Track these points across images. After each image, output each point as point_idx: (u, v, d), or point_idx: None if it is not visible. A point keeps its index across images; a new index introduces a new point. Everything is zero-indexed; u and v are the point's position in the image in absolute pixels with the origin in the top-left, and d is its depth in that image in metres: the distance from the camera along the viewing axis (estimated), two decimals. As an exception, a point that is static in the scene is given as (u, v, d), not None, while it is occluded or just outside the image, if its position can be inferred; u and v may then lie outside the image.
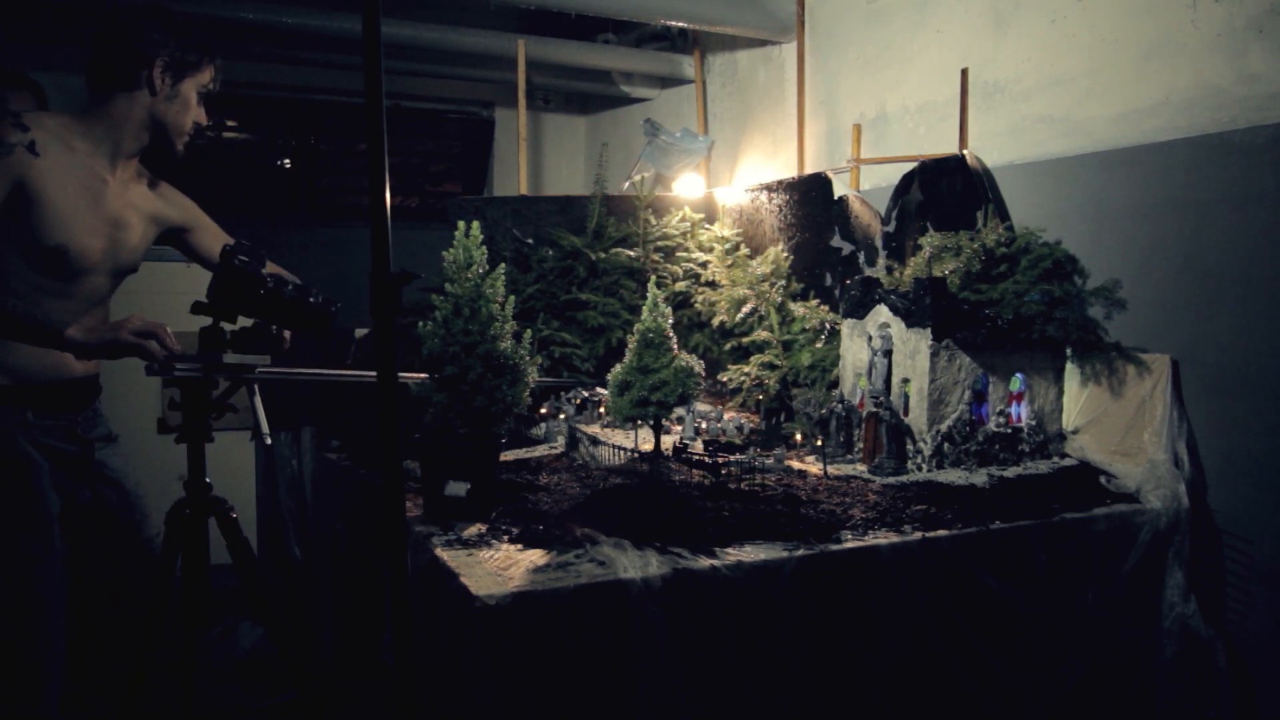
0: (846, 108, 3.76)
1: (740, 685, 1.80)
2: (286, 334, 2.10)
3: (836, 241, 3.32)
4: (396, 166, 5.81)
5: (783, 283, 3.27)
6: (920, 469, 2.52)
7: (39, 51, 4.21)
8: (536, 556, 1.80)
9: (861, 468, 2.54)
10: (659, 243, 3.66)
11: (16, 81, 2.95)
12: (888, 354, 2.63)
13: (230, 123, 5.36)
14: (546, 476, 2.43)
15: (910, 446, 2.54)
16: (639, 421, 2.38)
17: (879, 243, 3.17)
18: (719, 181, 4.55)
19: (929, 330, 2.49)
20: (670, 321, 2.38)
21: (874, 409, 2.53)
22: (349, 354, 3.29)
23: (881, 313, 2.65)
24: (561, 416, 2.96)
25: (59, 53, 4.18)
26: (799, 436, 2.79)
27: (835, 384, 2.87)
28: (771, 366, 3.08)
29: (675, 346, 2.36)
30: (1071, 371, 2.71)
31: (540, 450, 2.79)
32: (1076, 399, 2.70)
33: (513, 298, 2.15)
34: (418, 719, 1.48)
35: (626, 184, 4.13)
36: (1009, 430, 2.61)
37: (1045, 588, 2.16)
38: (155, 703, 2.02)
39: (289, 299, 2.02)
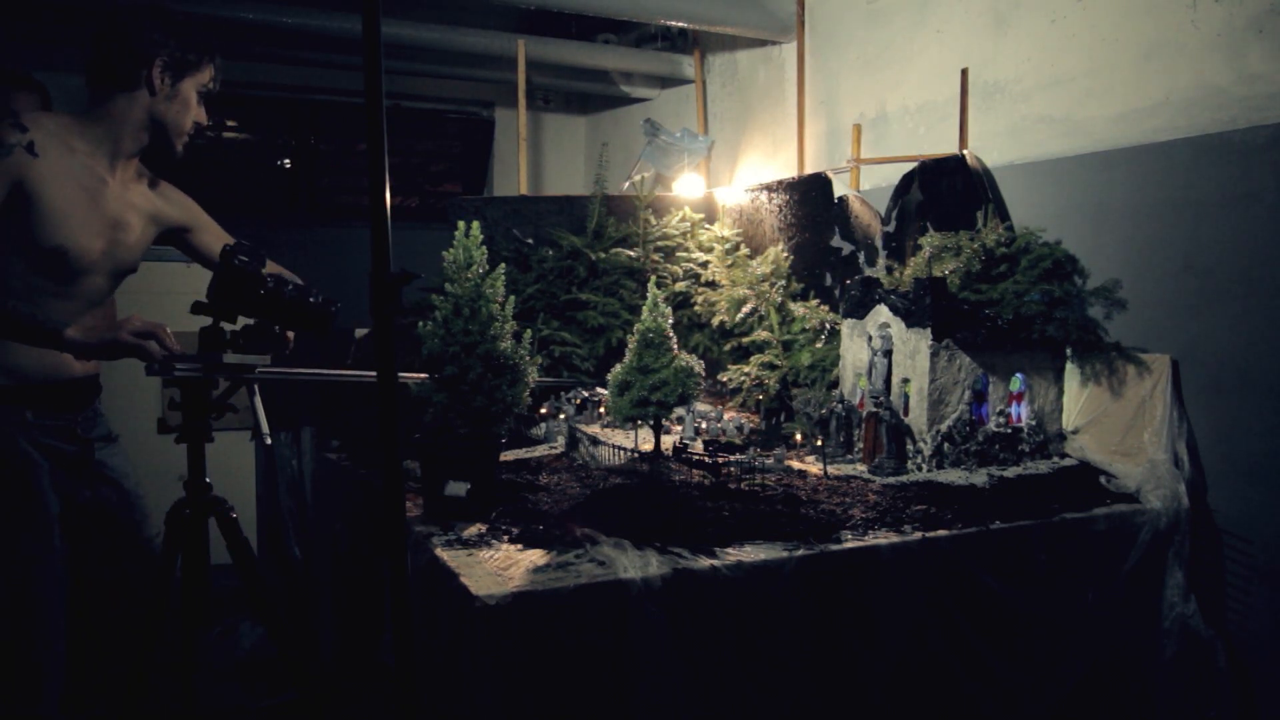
0: (846, 108, 3.76)
1: (740, 685, 1.80)
2: (290, 334, 2.10)
3: (836, 241, 3.32)
4: (396, 166, 5.81)
5: (783, 283, 3.26)
6: (920, 469, 2.52)
7: (39, 51, 4.21)
8: (536, 556, 1.80)
9: (861, 468, 2.54)
10: (659, 243, 3.66)
11: (21, 82, 2.95)
12: (888, 354, 2.63)
13: (230, 123, 5.37)
14: (546, 476, 2.43)
15: (910, 446, 2.54)
16: (639, 421, 2.38)
17: (879, 243, 3.18)
18: (719, 181, 4.55)
19: (929, 330, 2.49)
20: (670, 321, 2.38)
21: (874, 409, 2.53)
22: (349, 354, 3.29)
23: (881, 313, 2.65)
24: (561, 416, 2.96)
25: (59, 53, 4.18)
26: (799, 436, 2.79)
27: (835, 384, 2.87)
28: (771, 366, 3.08)
29: (675, 346, 2.36)
30: (1071, 371, 2.71)
31: (540, 450, 2.79)
32: (1076, 399, 2.70)
33: (513, 298, 2.15)
34: (418, 719, 1.48)
35: (626, 184, 4.13)
36: (1009, 430, 2.61)
37: (1045, 588, 2.16)
38: (155, 703, 2.01)
39: (289, 299, 2.02)
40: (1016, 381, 2.66)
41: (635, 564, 1.74)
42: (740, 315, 3.25)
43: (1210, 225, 2.44)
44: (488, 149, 5.93)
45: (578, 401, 3.03)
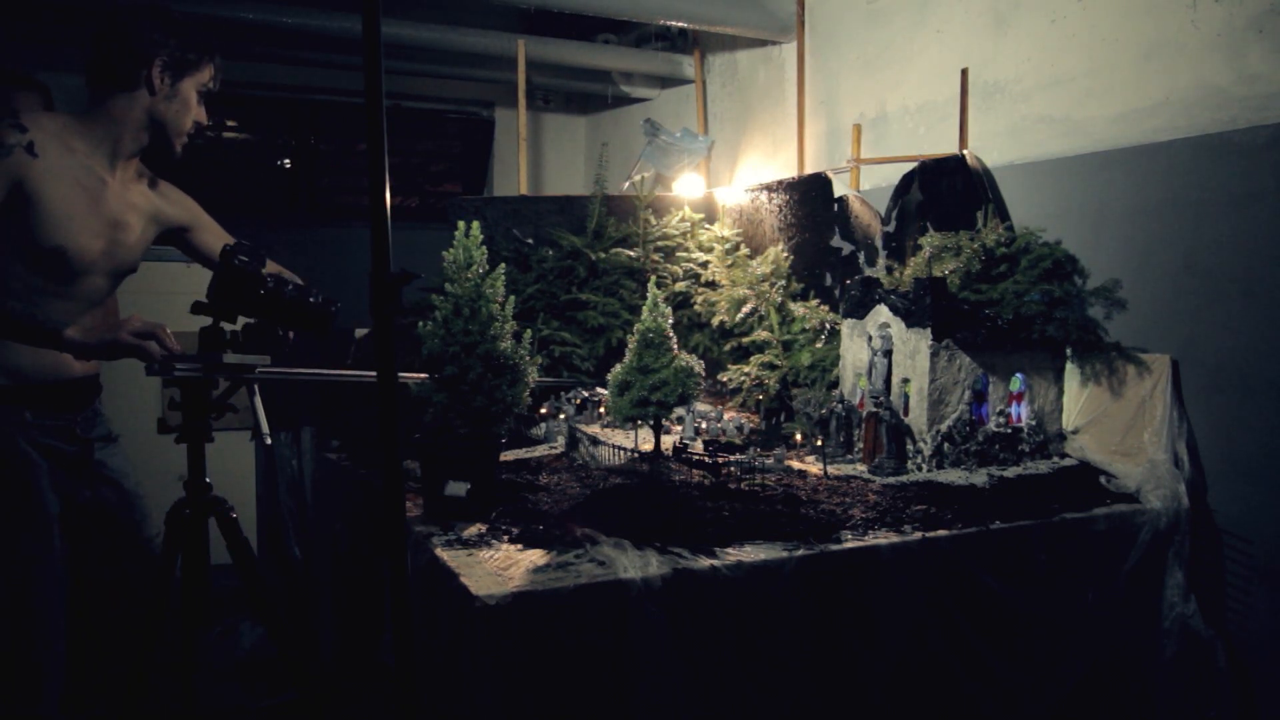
0: (846, 108, 3.76)
1: (740, 685, 1.80)
2: (290, 334, 2.10)
3: (836, 241, 3.32)
4: (396, 166, 5.81)
5: (783, 283, 3.26)
6: (920, 469, 2.52)
7: (39, 51, 4.21)
8: (536, 556, 1.80)
9: (861, 468, 2.54)
10: (659, 243, 3.66)
11: (24, 83, 2.96)
12: (888, 354, 2.63)
13: (230, 123, 5.36)
14: (546, 476, 2.43)
15: (910, 446, 2.54)
16: (639, 421, 2.38)
17: (879, 243, 3.18)
18: (719, 181, 4.55)
19: (929, 330, 2.49)
20: (670, 321, 2.38)
21: (874, 409, 2.53)
22: (349, 354, 3.29)
23: (881, 313, 2.65)
24: (561, 416, 2.96)
25: (59, 53, 4.18)
26: (799, 436, 2.79)
27: (835, 384, 2.87)
28: (771, 366, 3.08)
29: (675, 346, 2.36)
30: (1071, 371, 2.71)
31: (540, 450, 2.79)
32: (1076, 399, 2.70)
33: (513, 298, 2.15)
34: (418, 719, 1.48)
35: (626, 184, 4.13)
36: (1009, 430, 2.61)
37: (1045, 588, 2.16)
38: (155, 703, 2.01)
39: (289, 299, 2.02)
40: (1016, 381, 2.66)
41: (635, 564, 1.74)
42: (740, 315, 3.25)
43: (1210, 225, 2.44)
44: (488, 149, 5.93)
45: (578, 401, 3.03)
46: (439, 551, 1.84)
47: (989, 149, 3.05)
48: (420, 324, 2.08)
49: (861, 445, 2.61)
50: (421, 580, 1.86)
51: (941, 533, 2.04)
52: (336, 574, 2.71)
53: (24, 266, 1.98)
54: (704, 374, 2.41)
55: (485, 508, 2.06)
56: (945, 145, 3.22)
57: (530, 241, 3.61)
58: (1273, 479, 2.34)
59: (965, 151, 3.05)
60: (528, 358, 2.11)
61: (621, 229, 3.64)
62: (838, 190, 3.33)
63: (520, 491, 2.26)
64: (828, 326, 3.04)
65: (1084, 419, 2.67)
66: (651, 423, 2.39)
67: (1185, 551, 2.34)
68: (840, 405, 2.71)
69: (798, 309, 3.16)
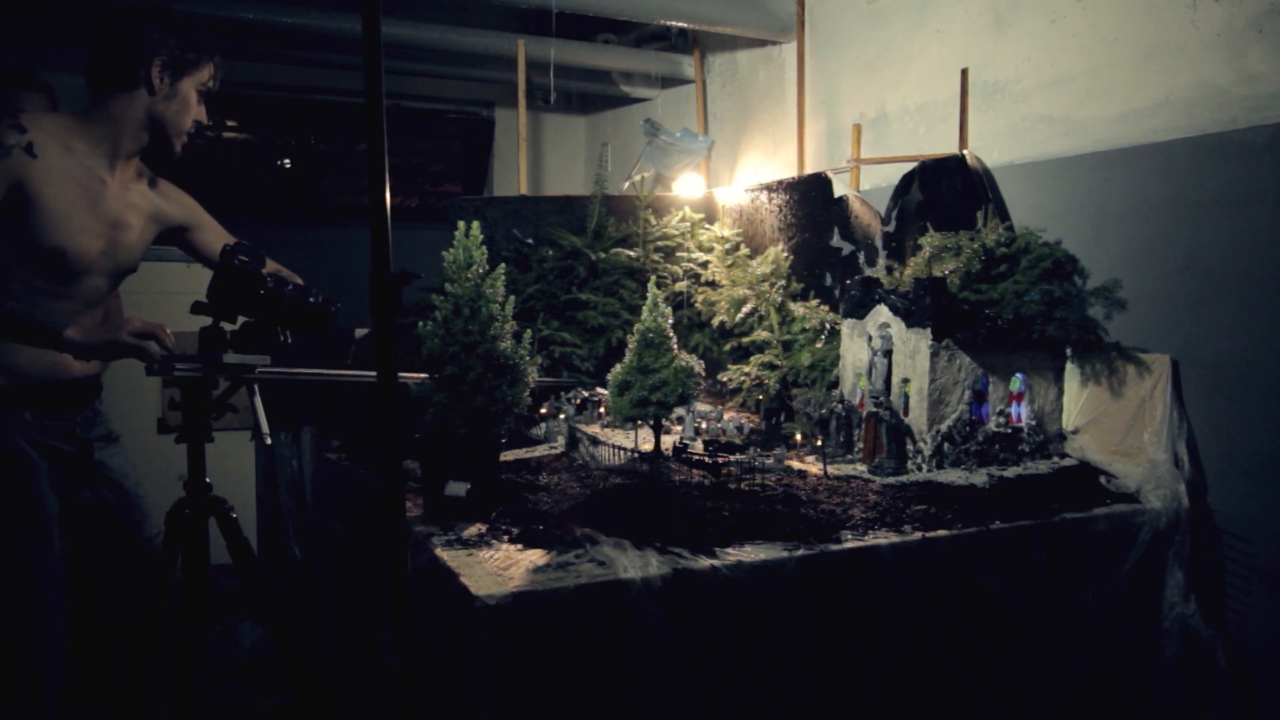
0: (846, 108, 3.76)
1: (740, 685, 1.80)
2: (287, 335, 2.10)
3: (836, 241, 3.32)
4: (396, 166, 5.81)
5: (783, 283, 3.26)
6: (920, 469, 2.52)
7: (39, 51, 4.21)
8: (536, 556, 1.80)
9: (861, 468, 2.54)
10: (659, 243, 3.66)
11: (30, 83, 2.96)
12: (888, 354, 2.63)
13: (230, 123, 5.36)
14: (546, 476, 2.43)
15: (910, 446, 2.54)
16: (639, 421, 2.38)
17: (879, 243, 3.17)
18: (719, 181, 4.55)
19: (929, 330, 2.49)
20: (670, 321, 2.38)
21: (874, 409, 2.53)
22: (349, 354, 3.29)
23: (881, 313, 2.65)
24: (561, 416, 2.96)
25: (59, 53, 4.17)
26: (799, 436, 2.79)
27: (835, 384, 2.87)
28: (771, 366, 3.08)
29: (675, 346, 2.36)
30: (1071, 371, 2.71)
31: (540, 450, 2.79)
32: (1076, 399, 2.70)
33: (513, 298, 2.15)
34: (418, 719, 1.48)
35: (626, 184, 4.13)
36: (1009, 430, 2.61)
37: (1045, 588, 2.16)
38: (155, 703, 2.01)
39: (289, 299, 2.02)
40: (1016, 381, 2.66)
41: (635, 564, 1.74)
42: (740, 315, 3.25)
43: (1210, 225, 2.44)
44: (488, 149, 5.93)
45: (578, 401, 3.03)
46: (439, 551, 1.84)
47: (989, 149, 3.05)
48: (420, 324, 2.08)
49: (861, 445, 2.61)
50: (421, 580, 1.86)
51: (941, 533, 2.04)
52: (336, 574, 2.71)
53: (24, 267, 1.97)
54: (704, 374, 2.41)
55: (485, 508, 2.06)
56: (945, 145, 3.22)
57: (530, 241, 3.61)
58: (1273, 479, 2.34)
59: (965, 151, 3.05)
60: (528, 358, 2.11)
61: (621, 229, 3.64)
62: (838, 190, 3.33)
63: (520, 491, 2.26)
64: (828, 326, 3.04)
65: (1084, 419, 2.67)
66: (651, 423, 2.39)
67: (1185, 551, 2.34)
68: (840, 405, 2.71)
69: (798, 309, 3.16)
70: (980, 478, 2.44)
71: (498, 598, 1.60)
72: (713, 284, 3.49)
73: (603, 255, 3.52)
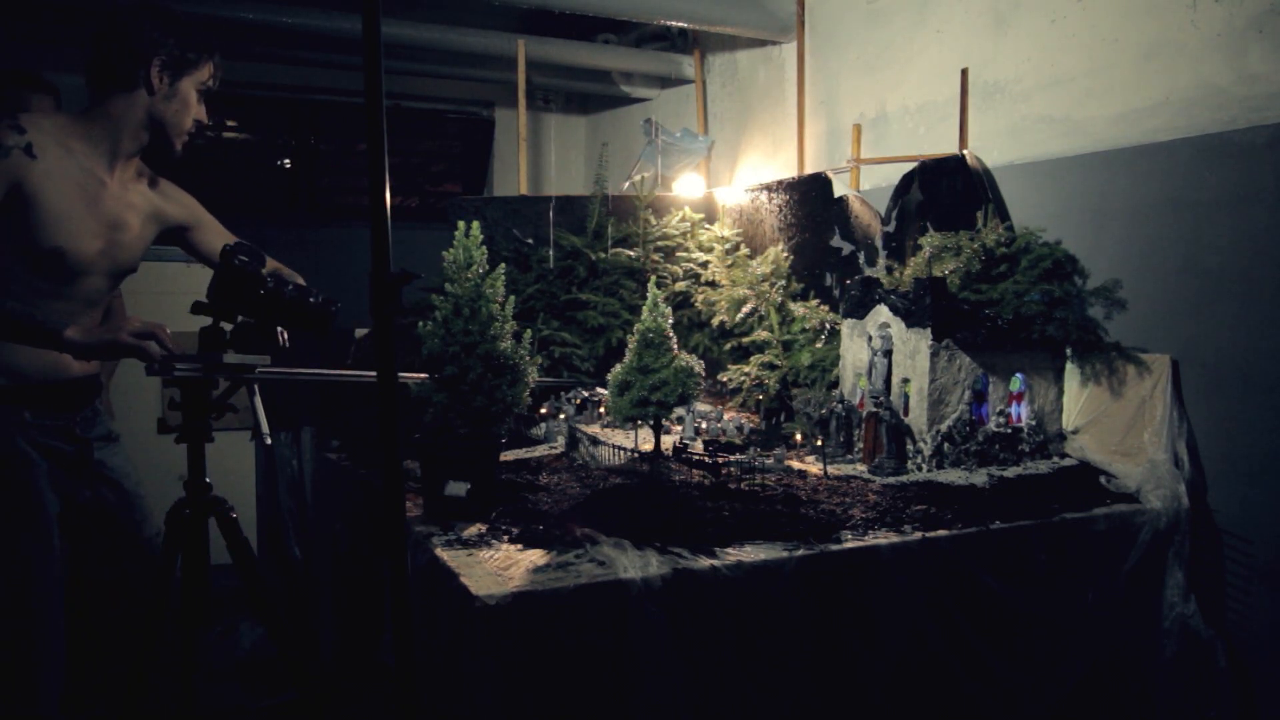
0: (846, 108, 3.76)
1: (740, 685, 1.80)
2: (285, 335, 2.10)
3: (836, 241, 3.32)
4: (396, 166, 5.81)
5: (783, 283, 3.26)
6: (920, 469, 2.52)
7: (38, 51, 4.21)
8: (536, 556, 1.80)
9: (861, 468, 2.54)
10: (659, 243, 3.66)
11: (36, 84, 2.96)
12: (888, 354, 2.63)
13: (230, 123, 5.36)
14: (546, 476, 2.43)
15: (910, 446, 2.54)
16: (639, 421, 2.38)
17: (879, 243, 3.17)
18: (719, 181, 4.55)
19: (929, 330, 2.49)
20: (670, 321, 2.38)
21: (874, 409, 2.53)
22: (349, 354, 3.29)
23: (881, 313, 2.65)
24: (561, 416, 2.96)
25: (59, 53, 4.18)
26: (799, 436, 2.79)
27: (835, 384, 2.87)
28: (771, 366, 3.08)
29: (675, 346, 2.36)
30: (1071, 371, 2.71)
31: (540, 450, 2.79)
32: (1076, 399, 2.70)
33: (513, 298, 2.15)
34: (418, 719, 1.48)
35: (626, 184, 4.13)
36: (1009, 430, 2.61)
37: (1045, 588, 2.16)
38: (155, 703, 2.01)
39: (289, 299, 2.02)
40: (1016, 381, 2.66)
41: (635, 564, 1.74)
42: (740, 315, 3.25)
43: (1210, 225, 2.44)
44: (488, 149, 5.93)
45: (578, 401, 3.03)
46: (439, 551, 1.84)
47: (989, 149, 3.05)
48: (420, 324, 2.08)
49: (861, 445, 2.61)
50: (421, 580, 1.86)
51: (941, 533, 2.04)
52: (336, 574, 2.71)
53: (23, 267, 1.97)
54: (704, 374, 2.41)
55: (485, 508, 2.06)
56: (945, 145, 3.22)
57: (530, 241, 3.61)
58: (1273, 479, 2.34)
59: (965, 151, 3.05)
60: (528, 358, 2.11)
61: (621, 229, 3.64)
62: (838, 190, 3.33)
63: (520, 491, 2.26)
64: (828, 326, 3.04)
65: (1084, 419, 2.67)
66: (651, 423, 2.39)
67: (1185, 551, 2.34)
68: (840, 405, 2.71)
69: (798, 309, 3.16)
70: (980, 478, 2.44)
71: (498, 598, 1.60)
72: (713, 284, 3.49)
73: (603, 255, 3.52)
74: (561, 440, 2.85)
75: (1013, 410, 2.66)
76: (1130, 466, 2.47)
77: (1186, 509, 2.33)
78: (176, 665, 1.99)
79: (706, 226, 3.77)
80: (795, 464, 2.57)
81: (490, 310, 2.06)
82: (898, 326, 2.59)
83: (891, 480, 2.41)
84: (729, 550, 1.86)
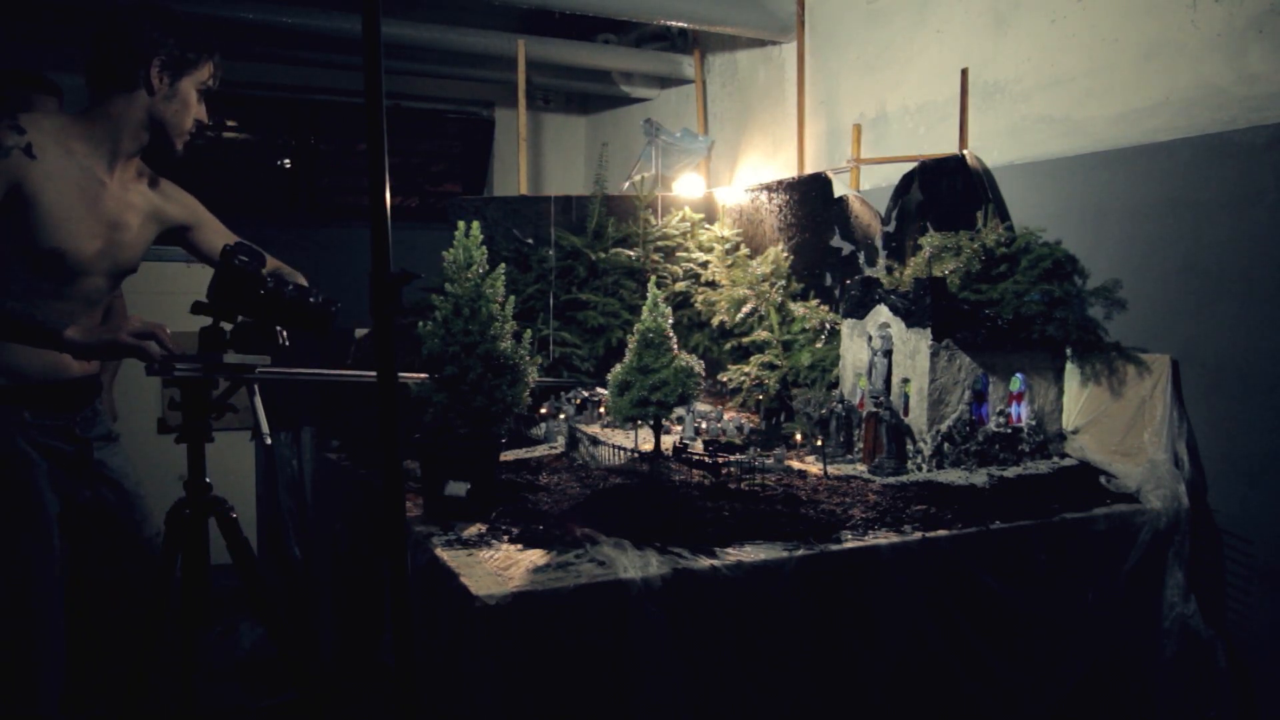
0: (846, 108, 3.76)
1: (740, 685, 1.80)
2: (284, 335, 2.10)
3: (836, 241, 3.32)
4: (396, 166, 5.81)
5: (783, 283, 3.26)
6: (920, 469, 2.52)
7: (38, 51, 4.21)
8: (536, 556, 1.80)
9: (861, 468, 2.54)
10: (659, 243, 3.66)
11: (40, 85, 2.96)
12: (888, 354, 2.63)
13: (230, 123, 5.36)
14: (546, 476, 2.43)
15: (910, 446, 2.53)
16: (639, 421, 2.38)
17: (879, 243, 3.17)
18: (719, 181, 4.55)
19: (929, 330, 2.49)
20: (670, 321, 2.38)
21: (874, 409, 2.53)
22: (349, 354, 3.29)
23: (881, 313, 2.65)
24: (561, 416, 2.96)
25: (59, 53, 4.18)
26: (799, 436, 2.79)
27: (835, 384, 2.87)
28: (771, 366, 3.08)
29: (675, 346, 2.36)
30: (1071, 371, 2.71)
31: (540, 450, 2.79)
32: (1076, 399, 2.70)
33: (513, 298, 2.15)
34: (418, 719, 1.48)
35: (626, 184, 4.13)
36: (1009, 430, 2.61)
37: (1045, 588, 2.16)
38: (155, 703, 2.01)
39: (289, 299, 2.02)
40: (1016, 381, 2.66)
41: (635, 564, 1.74)
42: (740, 315, 3.25)
43: (1210, 225, 2.44)
44: (488, 149, 5.93)
45: (578, 401, 3.03)
46: (439, 551, 1.84)
47: (989, 149, 3.05)
48: (420, 324, 2.08)
49: (861, 445, 2.61)
50: (421, 580, 1.86)
51: (941, 533, 2.04)
52: (336, 574, 2.71)
53: (23, 268, 1.97)
54: (704, 374, 2.41)
55: (485, 508, 2.06)
56: (945, 145, 3.22)
57: (530, 241, 3.61)
58: (1273, 479, 2.34)
59: (965, 151, 3.05)
60: (528, 358, 2.11)
61: (621, 229, 3.64)
62: (838, 190, 3.33)
63: (520, 491, 2.26)
64: (828, 326, 3.04)
65: (1084, 419, 2.67)
66: (651, 423, 2.39)
67: (1185, 551, 2.34)
68: (840, 405, 2.71)
69: (798, 309, 3.16)
70: (980, 478, 2.44)
71: (498, 598, 1.60)
72: (713, 284, 3.49)
73: (603, 255, 3.52)
74: (561, 440, 2.85)
75: (1013, 410, 2.66)
76: (1130, 466, 2.47)
77: (1186, 509, 2.33)
78: (176, 665, 1.99)
79: (706, 226, 3.77)
80: (795, 464, 2.57)
81: (490, 310, 2.06)
82: (898, 326, 2.59)
83: (891, 480, 2.41)
84: (729, 550, 1.86)
